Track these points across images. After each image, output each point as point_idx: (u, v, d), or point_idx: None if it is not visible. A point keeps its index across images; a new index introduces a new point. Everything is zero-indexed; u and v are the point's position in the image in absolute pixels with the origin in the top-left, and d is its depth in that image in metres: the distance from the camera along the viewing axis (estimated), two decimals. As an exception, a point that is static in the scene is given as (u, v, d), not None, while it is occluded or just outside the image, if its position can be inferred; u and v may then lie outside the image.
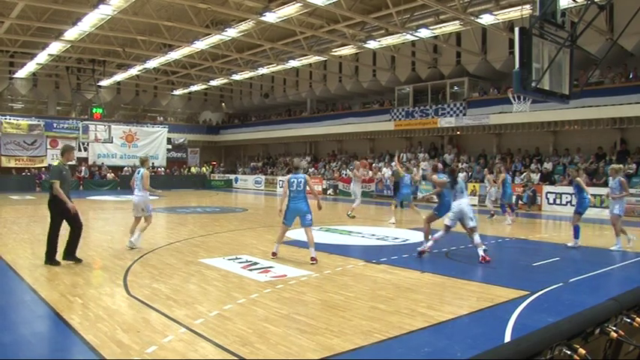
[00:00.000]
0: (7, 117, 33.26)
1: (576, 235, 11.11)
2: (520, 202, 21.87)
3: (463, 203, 9.44)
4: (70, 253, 8.70)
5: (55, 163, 9.05)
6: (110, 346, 4.75)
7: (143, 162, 10.98)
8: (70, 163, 9.11)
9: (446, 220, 9.67)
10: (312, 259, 8.91)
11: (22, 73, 32.93)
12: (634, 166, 20.37)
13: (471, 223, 9.34)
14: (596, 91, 20.87)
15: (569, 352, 2.02)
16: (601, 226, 16.52)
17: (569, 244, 11.14)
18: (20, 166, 32.78)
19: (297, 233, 12.79)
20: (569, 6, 11.72)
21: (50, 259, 8.51)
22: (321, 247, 10.43)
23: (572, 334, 2.13)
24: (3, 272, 8.03)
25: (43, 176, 32.14)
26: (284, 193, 9.28)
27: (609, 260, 9.74)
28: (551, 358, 2.00)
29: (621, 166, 12.25)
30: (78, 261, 8.66)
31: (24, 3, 19.49)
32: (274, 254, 9.34)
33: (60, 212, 8.53)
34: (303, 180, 9.06)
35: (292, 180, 9.07)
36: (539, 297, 6.73)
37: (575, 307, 2.78)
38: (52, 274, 7.74)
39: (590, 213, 19.27)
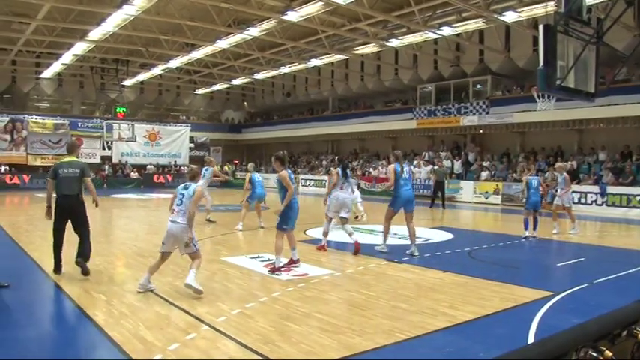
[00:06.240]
0: (34, 116, 33.84)
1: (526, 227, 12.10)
2: (544, 201, 21.53)
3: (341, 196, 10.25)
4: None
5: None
6: (133, 342, 4.80)
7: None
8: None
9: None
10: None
11: (47, 73, 33.49)
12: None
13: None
14: (622, 89, 20.46)
15: (595, 354, 1.99)
16: (627, 226, 16.21)
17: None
18: (46, 164, 33.29)
19: (315, 232, 12.81)
20: (596, 2, 11.51)
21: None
22: (343, 246, 10.44)
23: (598, 336, 2.10)
24: (30, 269, 8.19)
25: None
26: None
27: (636, 261, 9.54)
28: (577, 359, 1.97)
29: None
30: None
31: (50, 4, 19.84)
32: None
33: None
34: None
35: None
36: (564, 297, 6.63)
37: (601, 309, 2.74)
38: (76, 271, 7.82)
39: (616, 213, 19.04)
